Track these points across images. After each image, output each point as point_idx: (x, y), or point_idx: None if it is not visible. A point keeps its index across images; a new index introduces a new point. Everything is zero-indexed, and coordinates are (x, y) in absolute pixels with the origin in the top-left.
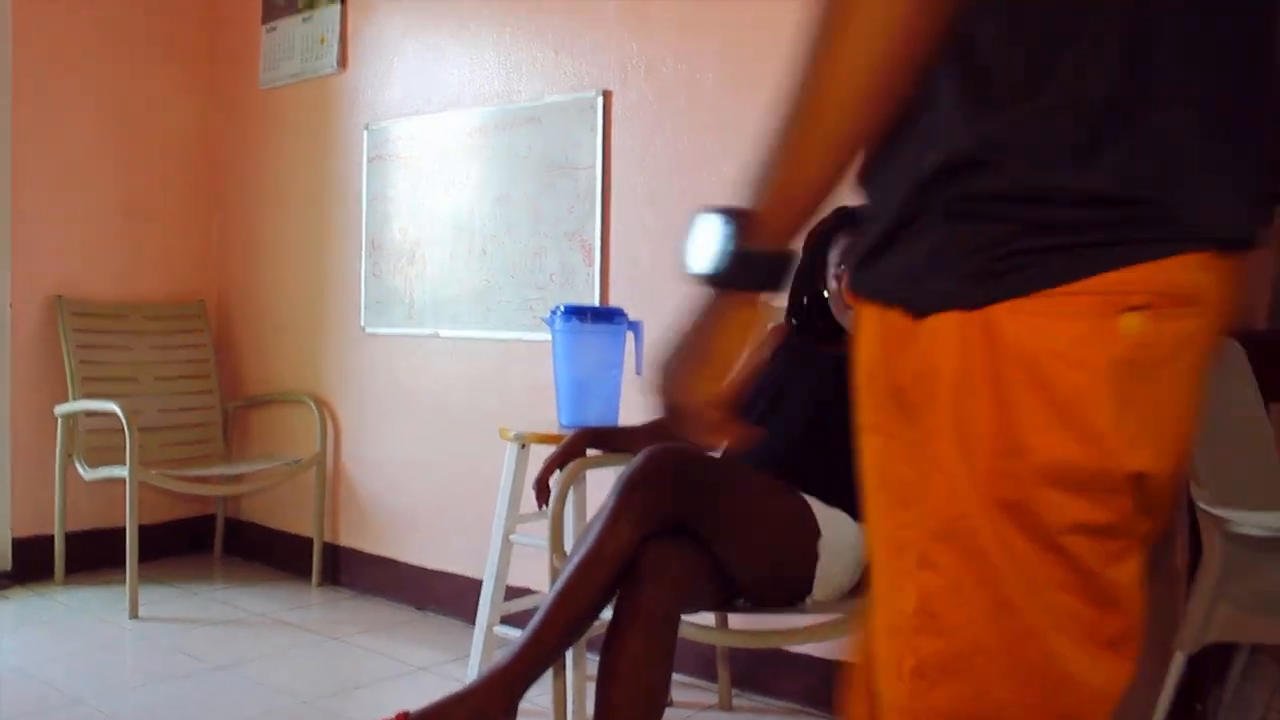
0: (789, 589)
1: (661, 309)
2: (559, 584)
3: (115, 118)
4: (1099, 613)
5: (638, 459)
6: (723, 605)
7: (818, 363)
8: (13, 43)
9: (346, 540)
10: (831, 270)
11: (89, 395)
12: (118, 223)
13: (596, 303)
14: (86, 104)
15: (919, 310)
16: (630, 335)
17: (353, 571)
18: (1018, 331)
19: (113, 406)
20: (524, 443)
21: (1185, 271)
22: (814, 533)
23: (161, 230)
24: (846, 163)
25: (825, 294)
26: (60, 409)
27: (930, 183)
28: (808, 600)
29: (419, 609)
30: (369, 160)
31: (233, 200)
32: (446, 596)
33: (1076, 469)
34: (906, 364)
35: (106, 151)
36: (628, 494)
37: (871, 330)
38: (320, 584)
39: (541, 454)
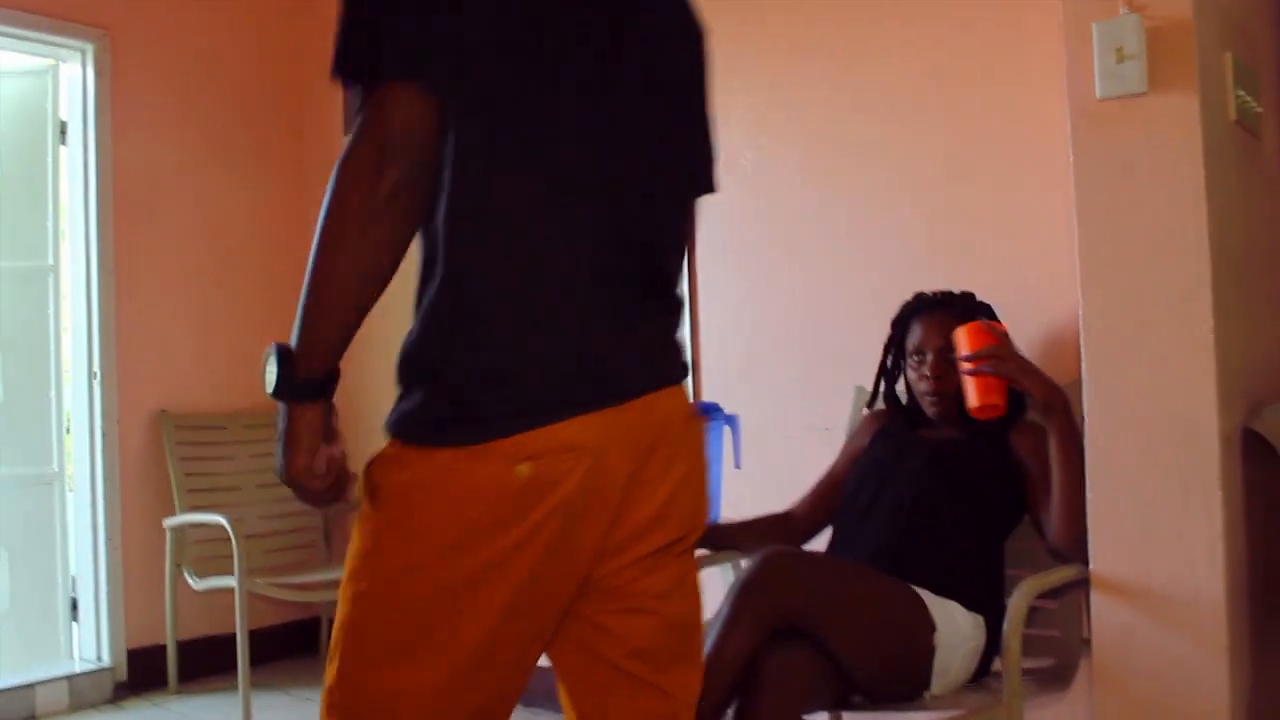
0: (907, 685)
1: (756, 400)
2: None
3: (209, 231)
4: None
5: (751, 564)
6: (840, 704)
7: (917, 449)
8: (114, 161)
9: None
10: (909, 359)
11: (195, 507)
12: (215, 335)
13: (690, 397)
14: (182, 219)
15: (408, 441)
16: (728, 430)
17: None
18: (453, 466)
19: (220, 519)
20: None
21: (569, 432)
22: (929, 626)
23: (257, 339)
24: (353, 320)
25: (905, 381)
26: (168, 522)
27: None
28: (926, 695)
29: (525, 706)
30: None
31: None
32: (551, 692)
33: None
34: (394, 476)
35: (203, 265)
36: (744, 599)
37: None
38: None
39: None
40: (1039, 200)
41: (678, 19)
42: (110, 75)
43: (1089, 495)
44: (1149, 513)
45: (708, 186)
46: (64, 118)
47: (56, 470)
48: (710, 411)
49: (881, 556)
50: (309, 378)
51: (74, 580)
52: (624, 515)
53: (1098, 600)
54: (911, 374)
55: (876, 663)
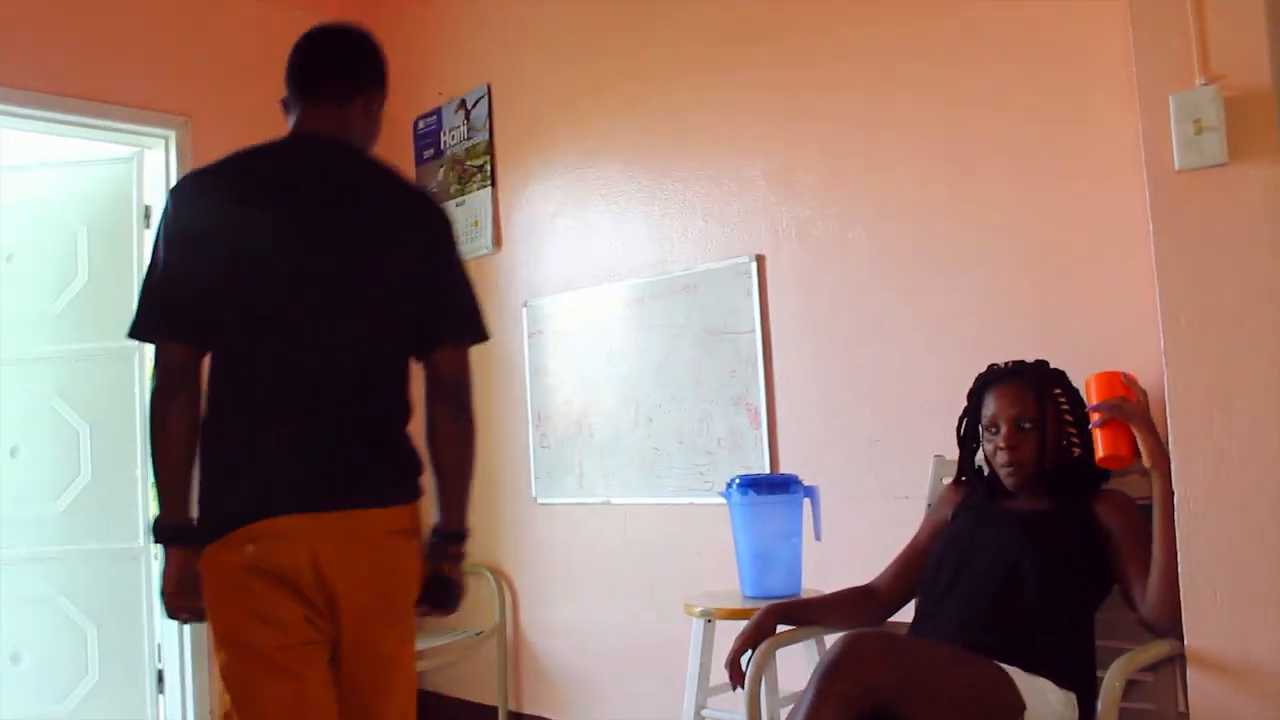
0: None
1: (832, 468)
2: None
3: None
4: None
5: (835, 645)
6: None
7: (1000, 521)
8: None
9: (531, 707)
10: (985, 431)
11: None
12: None
13: (766, 465)
14: None
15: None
16: (807, 501)
17: None
18: (214, 555)
19: None
20: (711, 618)
21: (275, 525)
22: (1019, 706)
23: None
24: (184, 481)
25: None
26: None
27: None
28: None
29: None
30: (529, 335)
31: None
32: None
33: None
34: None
35: None
36: (829, 682)
37: None
38: None
39: (728, 628)
40: (1116, 269)
41: (395, 210)
42: (192, 160)
43: (1180, 567)
44: (1245, 584)
45: (473, 337)
46: (148, 202)
47: (142, 545)
48: (789, 484)
49: (968, 632)
50: (167, 527)
51: (160, 651)
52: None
53: (1194, 676)
54: (988, 446)
55: None
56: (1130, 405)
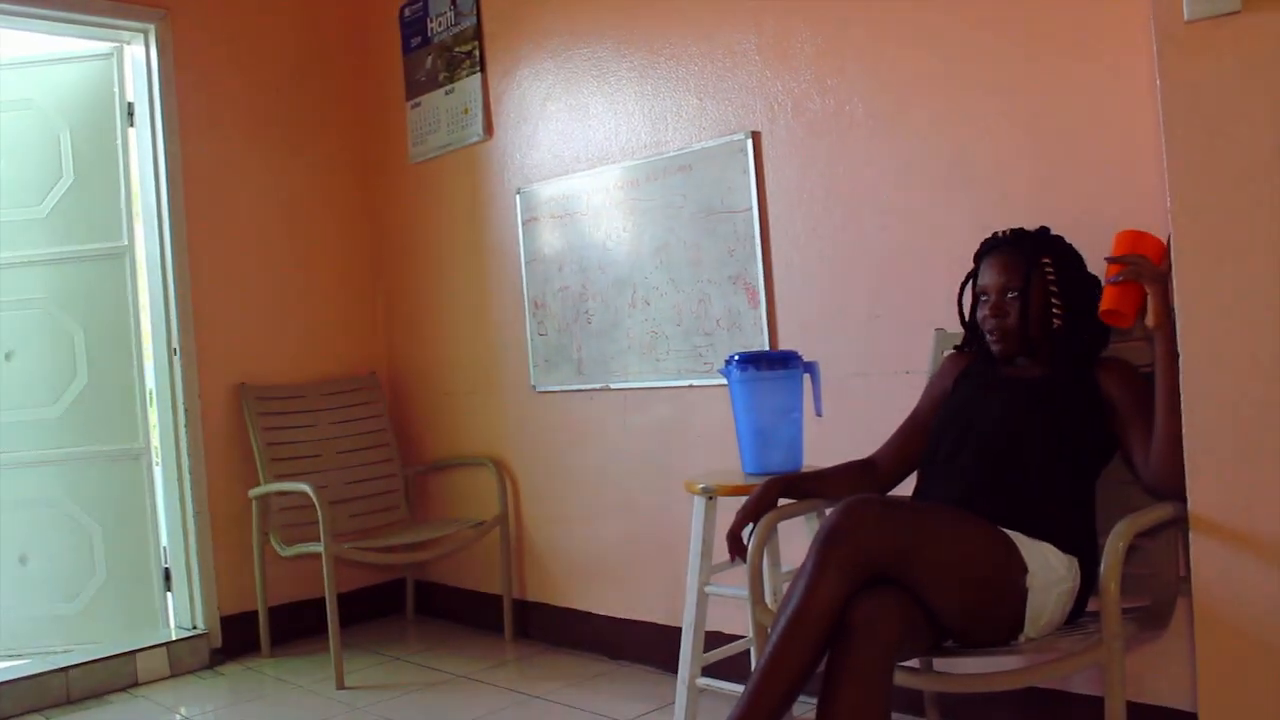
0: (1000, 629)
1: (832, 344)
2: (767, 650)
3: (278, 209)
4: None
5: (834, 512)
6: (932, 650)
7: (1003, 388)
8: (182, 140)
9: (534, 595)
10: (979, 298)
11: (278, 476)
12: (289, 306)
13: (765, 344)
14: (251, 196)
15: None
16: (807, 378)
17: (543, 625)
18: None
19: (304, 487)
20: (712, 495)
21: None
22: (1021, 569)
23: (330, 308)
24: None
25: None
26: (254, 492)
27: None
28: (1020, 638)
29: (612, 659)
30: (524, 222)
31: (394, 273)
32: (638, 645)
33: None
34: None
35: (273, 242)
36: (828, 549)
37: None
38: (513, 639)
39: (729, 505)
40: (1122, 129)
41: None
42: (173, 55)
43: (1185, 429)
44: (1248, 446)
45: None
46: (131, 99)
47: (143, 445)
48: (788, 360)
49: (970, 499)
50: None
51: (165, 551)
52: None
53: (1197, 540)
54: (979, 314)
55: (969, 608)
56: (1148, 266)
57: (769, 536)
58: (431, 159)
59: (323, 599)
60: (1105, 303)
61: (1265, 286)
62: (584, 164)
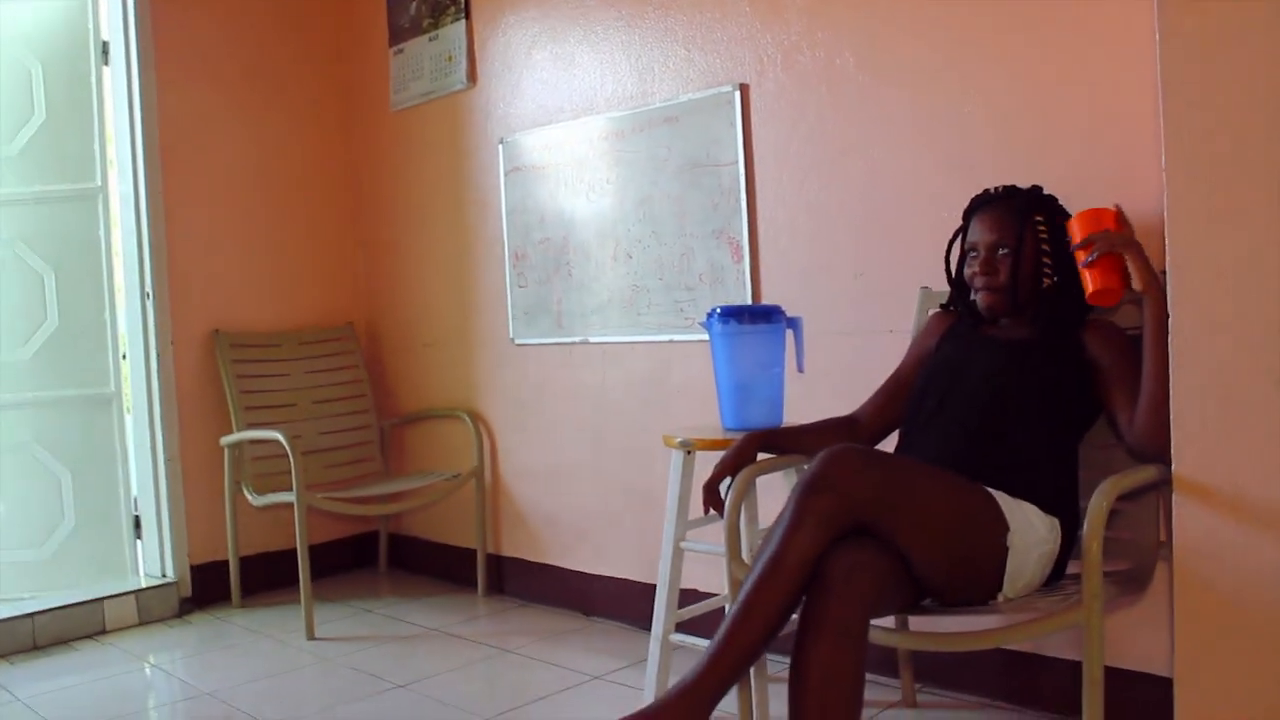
0: (979, 588)
1: (816, 302)
2: (741, 597)
3: (256, 153)
4: None
5: (815, 461)
6: (909, 607)
7: (988, 348)
8: (158, 82)
9: (509, 550)
10: (967, 256)
11: (251, 424)
12: (265, 253)
13: (748, 300)
14: (229, 140)
15: None
16: (790, 333)
17: (517, 580)
18: None
19: (277, 435)
20: (690, 449)
21: None
22: (1002, 528)
23: (307, 256)
24: None
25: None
26: (226, 440)
27: None
28: (999, 597)
29: (586, 615)
30: (506, 173)
31: (374, 222)
32: (612, 601)
33: None
34: None
35: (250, 187)
36: (807, 498)
37: None
38: (486, 594)
39: (708, 459)
40: (1117, 82)
41: None
42: None
43: (1172, 392)
44: (1236, 411)
45: None
46: (106, 38)
47: (113, 391)
48: (771, 314)
49: (952, 458)
50: None
51: (135, 499)
52: None
53: (1180, 503)
54: (967, 271)
55: (948, 564)
56: (1118, 234)
57: (746, 491)
58: (414, 107)
59: (294, 550)
60: (1091, 284)
61: (1261, 247)
62: (568, 114)
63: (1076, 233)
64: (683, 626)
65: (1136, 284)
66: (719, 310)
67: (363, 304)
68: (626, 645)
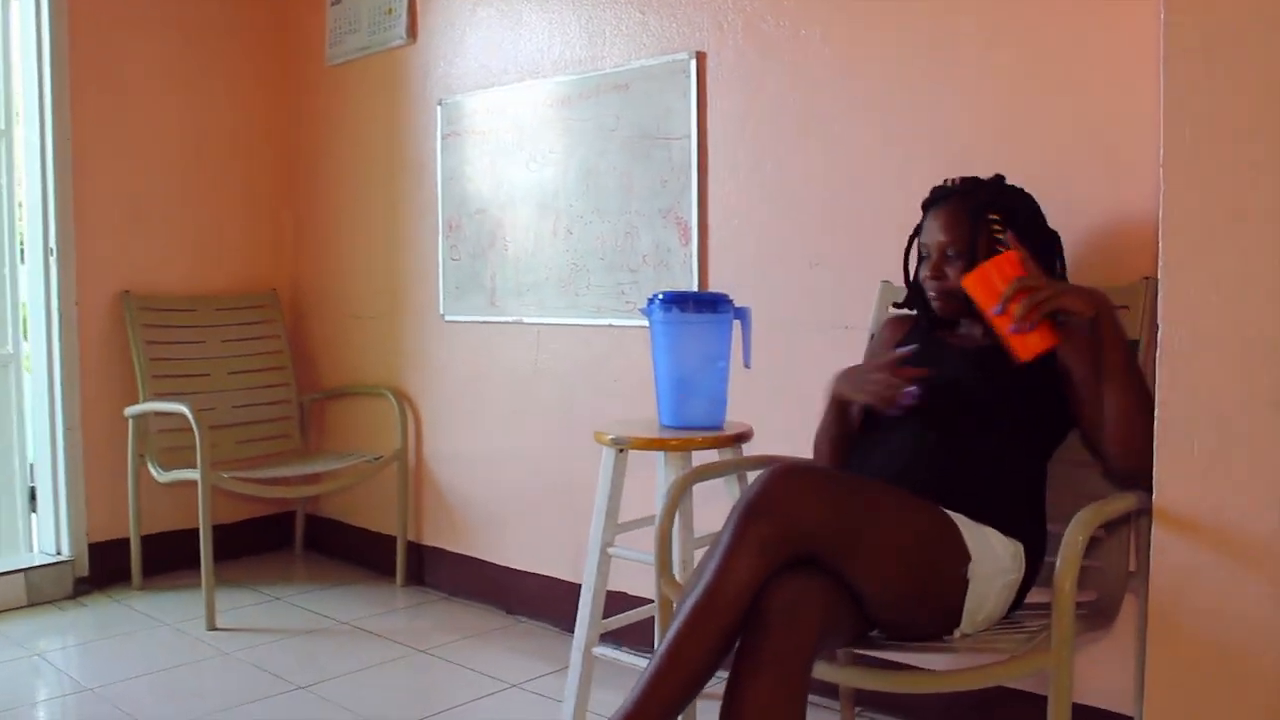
0: (935, 623)
1: (768, 291)
2: (671, 633)
3: (179, 103)
4: None
5: (757, 480)
6: (856, 642)
7: (948, 356)
8: (70, 30)
9: (431, 539)
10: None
11: (159, 394)
12: (183, 212)
13: (695, 285)
14: (149, 90)
15: None
16: (737, 324)
17: (438, 572)
18: None
19: (182, 408)
20: (623, 448)
21: None
22: (963, 557)
23: (229, 218)
24: None
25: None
26: (130, 410)
27: None
28: (955, 634)
29: (509, 613)
30: (443, 137)
31: (302, 183)
32: (537, 600)
33: None
34: None
35: (171, 139)
36: (747, 523)
37: None
38: (405, 585)
39: (640, 460)
40: (1105, 69)
41: None
42: None
43: (1158, 417)
44: (1226, 440)
45: None
46: None
47: (12, 351)
48: (717, 303)
49: (910, 476)
50: None
51: (32, 468)
52: None
53: (1159, 535)
54: (921, 272)
55: (902, 597)
56: (1039, 292)
57: (681, 499)
58: (350, 61)
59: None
60: (1022, 353)
61: (1263, 256)
62: (512, 76)
63: (982, 297)
64: (610, 636)
65: (1081, 313)
66: (661, 296)
67: (287, 270)
68: (549, 648)
